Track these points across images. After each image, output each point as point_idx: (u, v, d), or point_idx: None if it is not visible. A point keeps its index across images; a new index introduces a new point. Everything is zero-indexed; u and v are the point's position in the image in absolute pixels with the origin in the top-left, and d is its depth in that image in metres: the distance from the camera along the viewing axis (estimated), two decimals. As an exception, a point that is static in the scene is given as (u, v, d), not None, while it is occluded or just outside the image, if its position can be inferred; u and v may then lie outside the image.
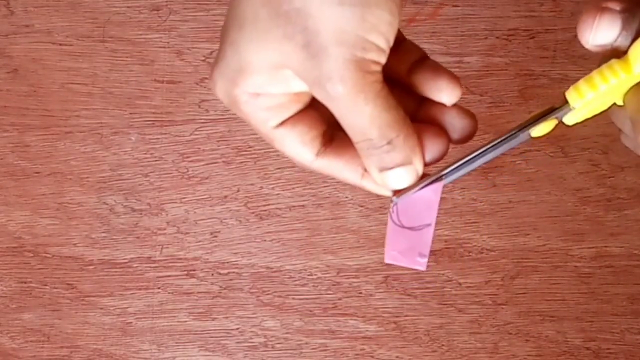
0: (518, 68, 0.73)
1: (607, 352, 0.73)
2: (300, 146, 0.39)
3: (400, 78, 0.40)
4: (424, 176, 0.39)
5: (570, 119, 0.38)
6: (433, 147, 0.39)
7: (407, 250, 0.40)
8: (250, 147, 0.74)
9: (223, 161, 0.74)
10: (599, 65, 0.36)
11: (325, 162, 0.39)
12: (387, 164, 0.38)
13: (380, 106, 0.36)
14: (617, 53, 0.36)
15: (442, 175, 0.39)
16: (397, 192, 0.39)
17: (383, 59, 0.36)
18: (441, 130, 0.39)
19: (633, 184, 0.73)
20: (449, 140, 0.39)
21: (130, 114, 0.74)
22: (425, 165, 0.39)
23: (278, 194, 0.74)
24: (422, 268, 0.40)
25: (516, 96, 0.73)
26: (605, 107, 0.38)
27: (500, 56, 0.73)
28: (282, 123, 0.38)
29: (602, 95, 0.36)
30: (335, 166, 0.39)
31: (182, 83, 0.74)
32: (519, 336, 0.73)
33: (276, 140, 0.39)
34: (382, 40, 0.35)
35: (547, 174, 0.73)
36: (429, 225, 0.40)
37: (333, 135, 0.39)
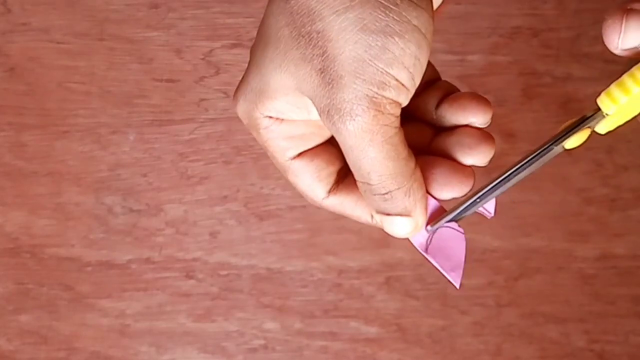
0: (521, 67, 0.73)
1: (611, 354, 0.73)
2: (315, 181, 0.38)
3: (426, 115, 0.39)
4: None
5: (602, 127, 0.38)
6: (448, 185, 0.38)
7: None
8: (250, 147, 0.74)
9: (223, 161, 0.74)
10: (627, 69, 0.36)
11: (337, 199, 0.38)
12: (383, 210, 0.37)
13: (385, 153, 0.34)
14: None
15: (476, 200, 0.39)
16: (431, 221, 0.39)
17: (403, 99, 0.34)
18: (457, 165, 0.38)
19: (637, 183, 0.73)
20: (471, 176, 0.38)
21: (129, 113, 0.74)
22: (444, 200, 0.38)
23: (278, 194, 0.74)
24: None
25: (519, 95, 0.73)
26: (636, 112, 0.38)
27: (503, 55, 0.73)
28: (300, 154, 0.38)
29: (635, 98, 0.36)
30: (346, 204, 0.38)
31: (181, 82, 0.74)
32: (522, 338, 0.73)
33: (291, 172, 0.38)
34: (404, 74, 0.33)
35: (551, 174, 0.73)
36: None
37: (347, 173, 0.38)
